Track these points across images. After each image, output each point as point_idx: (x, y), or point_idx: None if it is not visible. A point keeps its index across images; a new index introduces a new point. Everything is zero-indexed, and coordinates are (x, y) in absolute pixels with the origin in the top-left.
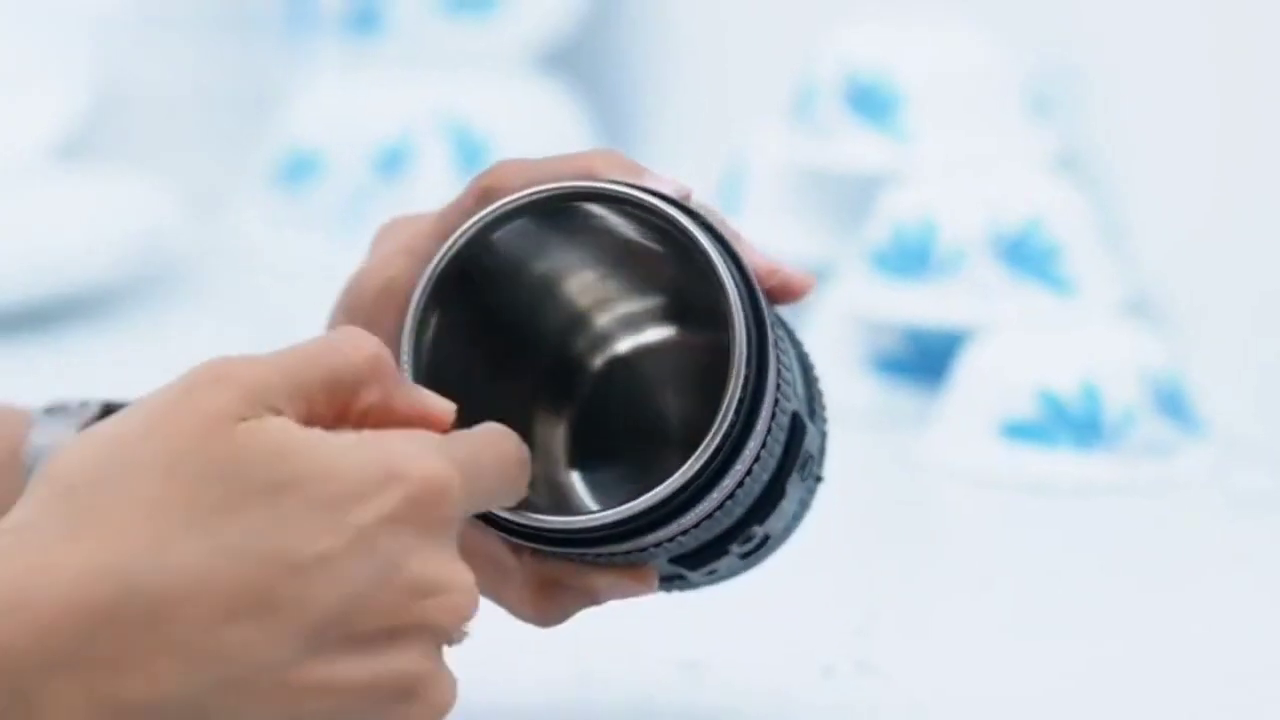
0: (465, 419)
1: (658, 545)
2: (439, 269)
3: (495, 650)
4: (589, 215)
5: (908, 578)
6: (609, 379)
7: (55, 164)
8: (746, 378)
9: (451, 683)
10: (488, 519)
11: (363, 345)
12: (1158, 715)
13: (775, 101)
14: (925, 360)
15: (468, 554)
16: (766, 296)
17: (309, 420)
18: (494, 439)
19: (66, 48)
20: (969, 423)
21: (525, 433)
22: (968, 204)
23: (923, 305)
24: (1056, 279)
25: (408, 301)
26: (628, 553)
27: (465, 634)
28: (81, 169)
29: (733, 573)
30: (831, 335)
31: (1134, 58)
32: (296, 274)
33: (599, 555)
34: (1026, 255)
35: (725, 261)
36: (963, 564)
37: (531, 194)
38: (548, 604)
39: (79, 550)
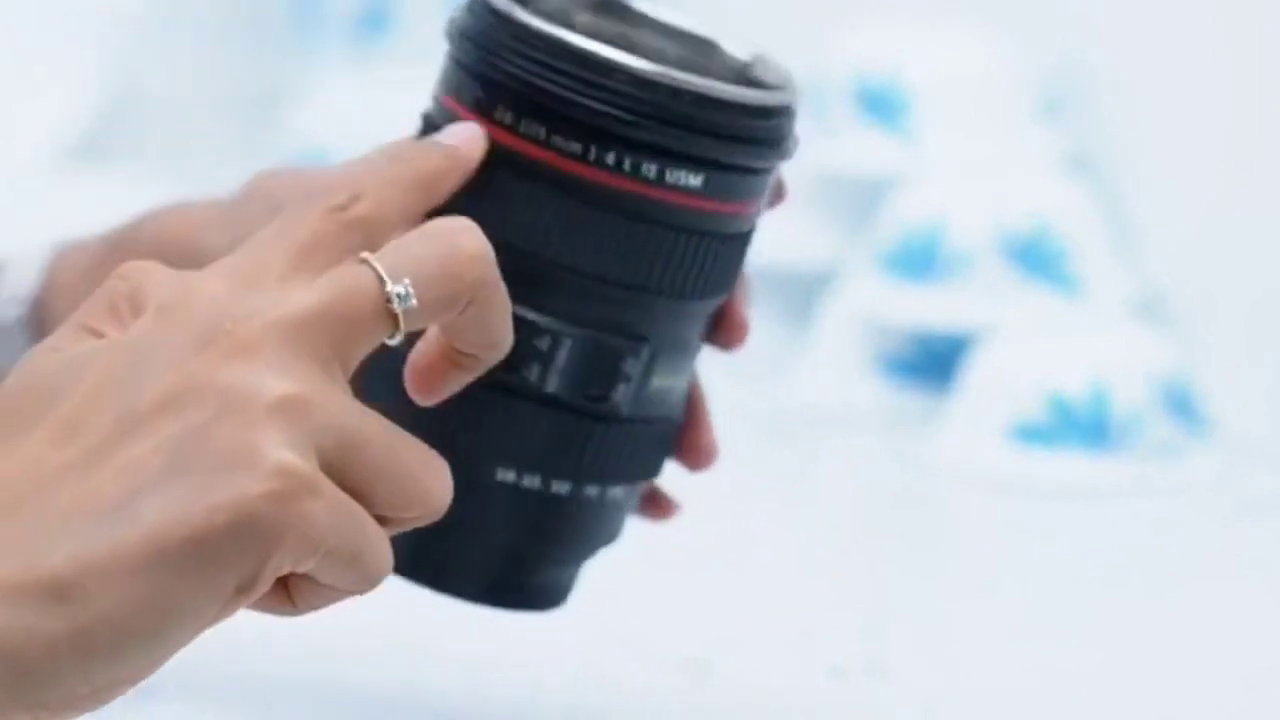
0: None
1: None
2: None
3: (497, 651)
4: None
5: (915, 579)
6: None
7: (66, 166)
8: None
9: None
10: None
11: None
12: (1167, 717)
13: None
14: (933, 362)
15: None
16: None
17: None
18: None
19: (77, 51)
20: (977, 425)
21: None
22: (976, 206)
23: (931, 307)
24: (1065, 281)
25: None
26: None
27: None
28: (91, 171)
29: None
30: (839, 337)
31: (1143, 59)
32: None
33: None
34: (1035, 257)
35: None
36: (971, 566)
37: None
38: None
39: None
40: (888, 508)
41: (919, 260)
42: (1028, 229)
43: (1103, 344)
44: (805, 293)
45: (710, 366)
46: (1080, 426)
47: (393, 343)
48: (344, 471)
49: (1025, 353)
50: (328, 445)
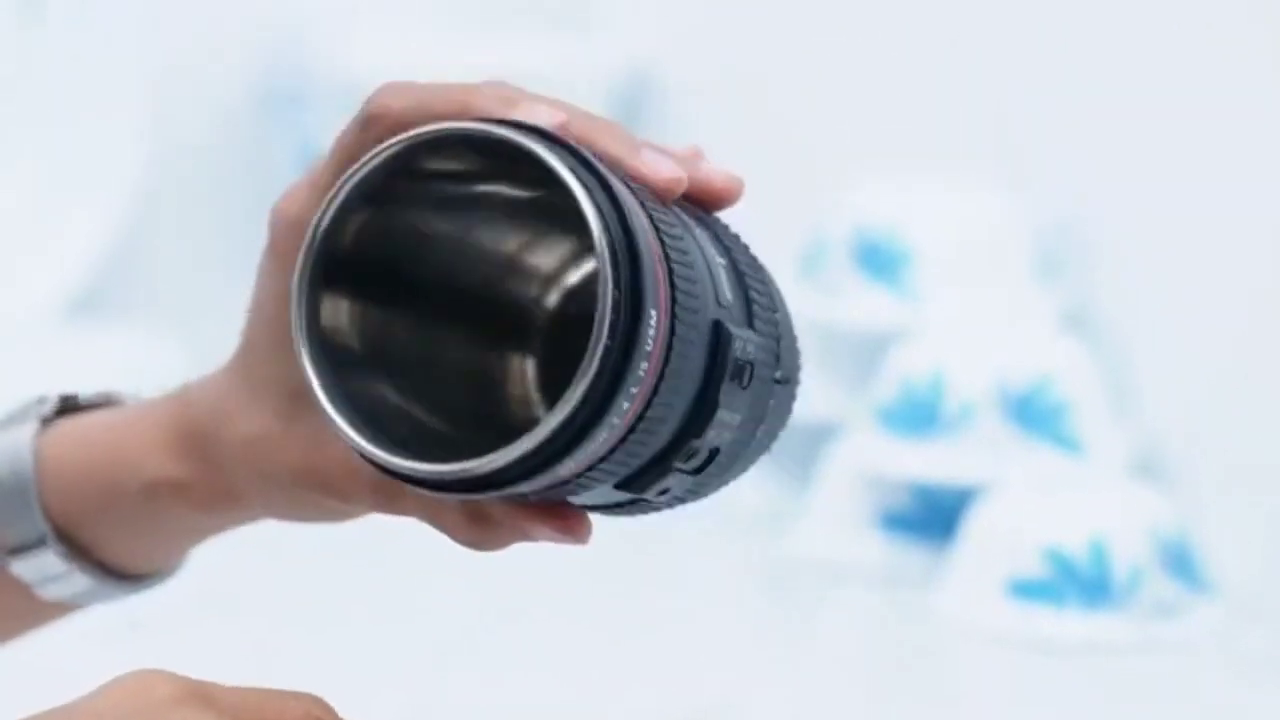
0: (409, 380)
1: (575, 478)
2: (318, 237)
3: None
4: (472, 155)
5: None
6: (565, 313)
7: (66, 320)
8: (616, 304)
9: None
10: (385, 469)
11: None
12: None
13: (784, 258)
14: (933, 518)
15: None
16: (665, 206)
17: None
18: None
19: (78, 204)
20: (977, 581)
21: (490, 380)
22: (976, 362)
23: (931, 462)
24: (1064, 438)
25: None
26: (546, 488)
27: None
28: (92, 326)
29: (695, 491)
30: (840, 491)
31: (1140, 220)
32: None
33: (511, 495)
34: (1035, 414)
35: (586, 187)
36: None
37: (388, 147)
38: (482, 533)
39: None
40: (888, 662)
41: (919, 416)
42: (1027, 386)
43: (1102, 501)
44: (806, 447)
45: (712, 519)
46: (1080, 583)
47: None
48: None
49: (1025, 509)
50: None
